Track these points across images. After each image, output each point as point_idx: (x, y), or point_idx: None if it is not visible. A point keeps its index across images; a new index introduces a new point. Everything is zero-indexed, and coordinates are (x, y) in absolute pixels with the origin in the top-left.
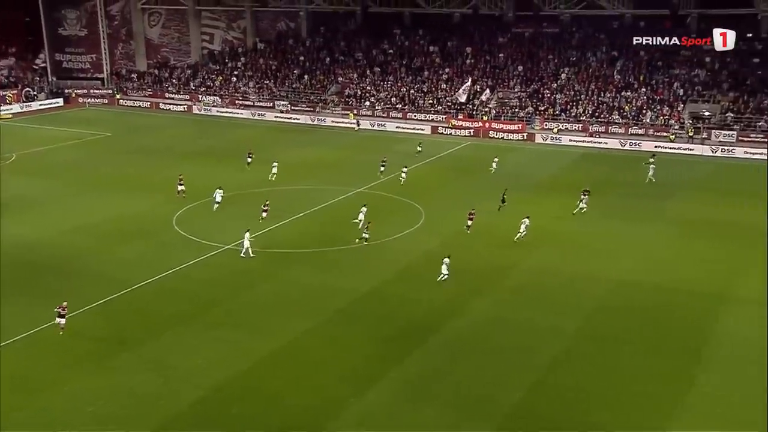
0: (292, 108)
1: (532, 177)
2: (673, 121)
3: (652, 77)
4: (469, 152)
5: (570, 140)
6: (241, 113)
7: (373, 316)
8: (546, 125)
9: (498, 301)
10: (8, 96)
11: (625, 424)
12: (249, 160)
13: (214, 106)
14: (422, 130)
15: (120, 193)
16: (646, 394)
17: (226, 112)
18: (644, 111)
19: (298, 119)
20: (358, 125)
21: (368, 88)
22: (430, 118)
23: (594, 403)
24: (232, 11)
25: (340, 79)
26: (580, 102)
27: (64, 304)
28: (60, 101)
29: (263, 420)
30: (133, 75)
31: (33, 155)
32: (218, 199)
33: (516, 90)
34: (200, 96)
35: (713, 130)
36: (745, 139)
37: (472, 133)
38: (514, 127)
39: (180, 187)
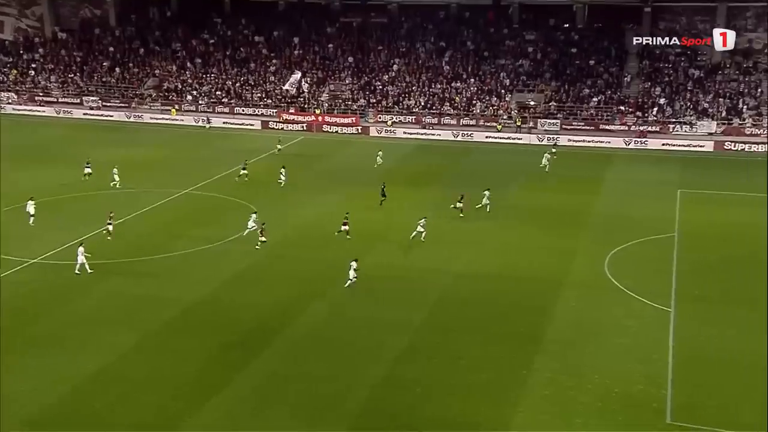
0: (104, 104)
1: (368, 171)
2: (501, 111)
3: (479, 68)
4: (303, 147)
5: (404, 132)
6: (44, 111)
7: (210, 324)
8: (380, 118)
9: (340, 299)
10: None
11: (472, 414)
12: (88, 170)
13: (8, 103)
14: (252, 125)
15: None
16: (489, 382)
17: (25, 110)
18: (474, 102)
19: (112, 116)
20: (209, 122)
21: (189, 81)
22: (260, 112)
23: (441, 395)
24: None
25: (157, 71)
26: (412, 94)
27: None
28: None
29: None
30: None
31: None
32: (32, 211)
33: (348, 82)
34: None
35: (539, 119)
36: (568, 127)
37: (305, 128)
38: (348, 120)
39: None
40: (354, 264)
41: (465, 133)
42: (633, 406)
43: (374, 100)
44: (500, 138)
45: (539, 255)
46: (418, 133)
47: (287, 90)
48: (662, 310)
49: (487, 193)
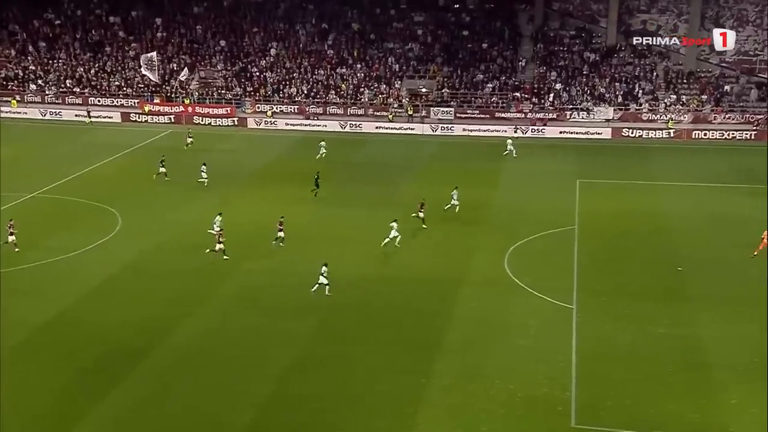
0: None
1: (246, 167)
2: (391, 99)
3: (366, 52)
4: (171, 142)
5: (287, 124)
6: None
7: (65, 347)
8: (258, 108)
9: (219, 310)
10: None
11: (368, 428)
12: None
13: None
14: (110, 118)
15: None
16: (386, 392)
17: None
18: (362, 89)
19: None
20: (89, 117)
21: (32, 68)
22: (119, 103)
23: (334, 409)
24: None
25: None
26: (294, 81)
27: None
28: None
29: None
30: None
31: None
32: None
33: (220, 68)
34: None
35: (431, 108)
36: (462, 115)
37: (172, 120)
38: (222, 111)
39: None
40: (324, 268)
41: (353, 123)
42: (537, 411)
43: (251, 89)
44: (392, 128)
45: (435, 253)
46: (301, 124)
47: (149, 74)
48: (564, 307)
49: (455, 193)
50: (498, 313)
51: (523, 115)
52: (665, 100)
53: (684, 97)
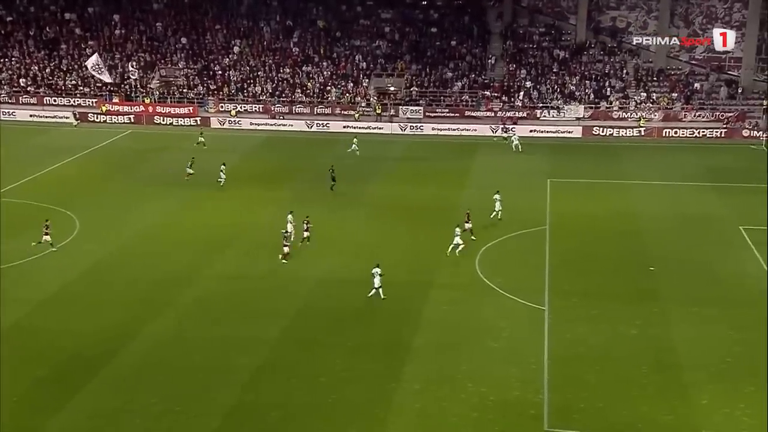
0: None
1: (209, 168)
2: (359, 98)
3: (332, 50)
4: (131, 143)
5: (251, 123)
6: None
7: (18, 357)
8: (222, 107)
9: (182, 316)
10: None
11: None
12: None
13: None
14: (66, 118)
15: None
16: (354, 399)
17: None
18: (328, 87)
19: None
20: (77, 119)
21: None
22: (76, 102)
23: (301, 418)
24: None
25: None
26: (258, 79)
27: None
28: None
29: None
30: None
31: None
32: None
33: (181, 66)
34: None
35: (400, 106)
36: (432, 114)
37: (132, 120)
38: (185, 110)
39: None
40: (378, 270)
41: (320, 122)
42: (510, 415)
43: (214, 87)
44: (359, 127)
45: (405, 255)
46: (267, 124)
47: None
48: (536, 309)
49: (497, 197)
50: (469, 315)
51: (493, 114)
52: (636, 98)
53: (654, 95)
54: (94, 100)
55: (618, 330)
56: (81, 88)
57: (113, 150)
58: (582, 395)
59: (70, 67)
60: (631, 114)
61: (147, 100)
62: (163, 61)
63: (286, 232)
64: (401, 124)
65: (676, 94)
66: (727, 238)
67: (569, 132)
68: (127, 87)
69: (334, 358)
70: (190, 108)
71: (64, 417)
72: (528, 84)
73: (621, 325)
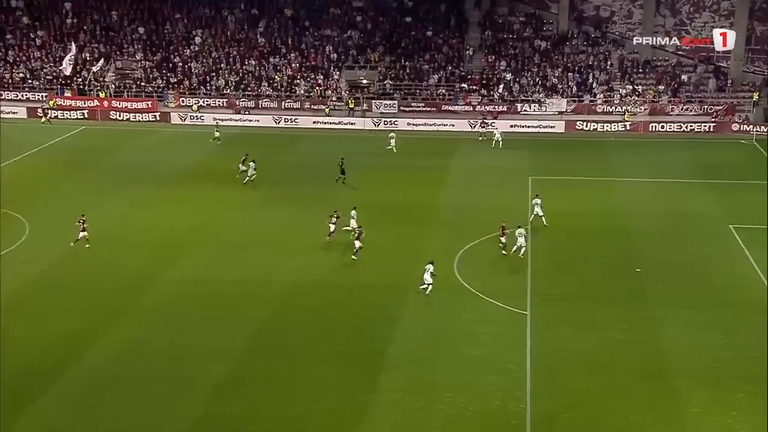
0: None
1: (169, 167)
2: (329, 92)
3: (301, 40)
4: (85, 140)
5: (215, 119)
6: None
7: None
8: (183, 102)
9: (141, 324)
10: None
11: None
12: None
13: None
14: (14, 113)
15: None
16: (328, 410)
17: None
18: (297, 81)
19: None
20: (46, 115)
21: None
22: (25, 96)
23: (275, 430)
24: None
25: None
26: (222, 72)
27: None
28: None
29: None
30: None
31: None
32: None
33: (138, 58)
34: None
35: (373, 101)
36: (407, 109)
37: (86, 115)
38: (143, 105)
39: None
40: (430, 267)
41: (288, 117)
42: (491, 425)
43: (174, 81)
44: (330, 123)
45: (381, 257)
46: (231, 119)
47: (63, 69)
48: (518, 314)
49: (537, 201)
50: (448, 321)
51: (471, 108)
52: (621, 91)
53: (640, 87)
54: (44, 94)
55: (604, 335)
56: (30, 81)
57: (65, 148)
58: (566, 404)
59: (18, 59)
60: (615, 108)
61: (102, 95)
62: (118, 53)
63: (353, 228)
64: (375, 119)
65: (663, 87)
66: (717, 238)
67: (551, 127)
68: (80, 80)
69: (305, 368)
70: (149, 103)
71: None
72: (508, 76)
73: (607, 330)
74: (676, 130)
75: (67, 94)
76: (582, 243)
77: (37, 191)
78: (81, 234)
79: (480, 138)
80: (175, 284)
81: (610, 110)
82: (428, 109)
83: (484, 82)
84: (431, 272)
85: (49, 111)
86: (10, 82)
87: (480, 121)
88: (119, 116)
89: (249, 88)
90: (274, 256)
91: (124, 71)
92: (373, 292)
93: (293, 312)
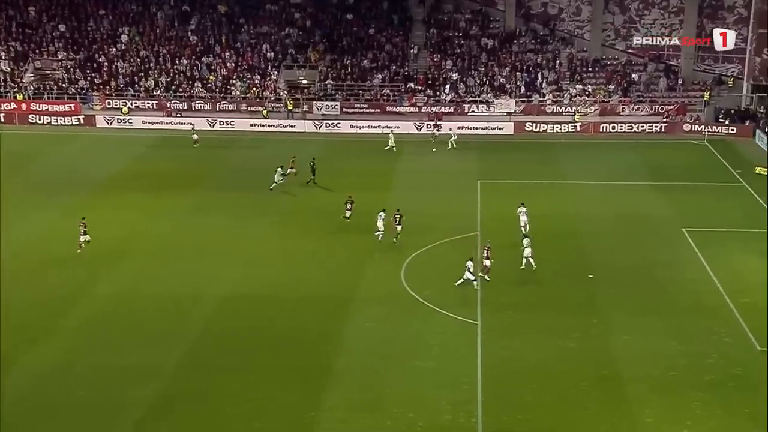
0: None
1: (95, 173)
2: (267, 93)
3: (236, 38)
4: (2, 146)
5: (144, 122)
6: None
7: None
8: (110, 104)
9: (65, 344)
10: None
11: None
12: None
13: None
14: None
15: None
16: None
17: None
18: (233, 81)
19: None
20: None
21: None
22: None
23: None
24: None
25: None
26: (151, 72)
27: None
28: None
29: None
30: None
31: None
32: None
33: (60, 57)
34: None
35: (314, 102)
36: (350, 110)
37: (2, 119)
38: (65, 108)
39: None
40: (470, 264)
41: (223, 120)
42: None
43: (99, 81)
44: (269, 125)
45: (324, 268)
46: (162, 123)
47: None
48: (468, 323)
49: (523, 210)
50: (395, 332)
51: (417, 109)
52: (570, 91)
53: (590, 87)
54: None
55: (556, 344)
56: None
57: None
58: (519, 417)
59: None
60: (565, 108)
61: (19, 97)
62: (37, 52)
63: (381, 230)
64: (316, 121)
65: (613, 86)
66: (670, 241)
67: (500, 128)
68: None
69: (244, 386)
70: (72, 105)
71: None
72: (454, 76)
73: (559, 339)
74: (627, 130)
75: None
76: (533, 248)
77: None
78: (83, 237)
79: (432, 139)
80: (102, 299)
81: (560, 111)
82: (372, 110)
83: (429, 81)
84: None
85: None
86: None
87: (432, 123)
88: (39, 120)
89: (181, 89)
90: (208, 267)
91: (43, 71)
92: (316, 305)
93: (228, 327)
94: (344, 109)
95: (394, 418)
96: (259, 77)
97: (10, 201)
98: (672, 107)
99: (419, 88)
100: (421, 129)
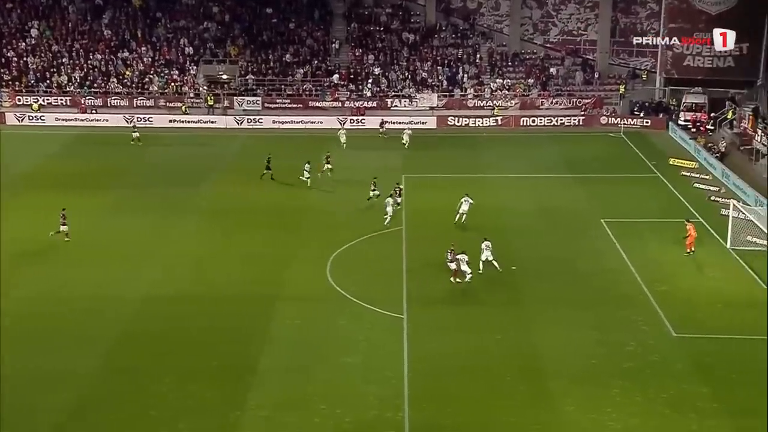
0: None
1: (6, 172)
2: (186, 88)
3: (152, 33)
4: None
5: (57, 119)
6: None
7: None
8: (20, 101)
9: None
10: None
11: None
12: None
13: None
14: None
15: None
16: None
17: None
18: (150, 76)
19: None
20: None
21: None
22: None
23: None
24: None
25: None
26: (64, 67)
27: None
28: None
29: None
30: None
31: None
32: None
33: None
34: None
35: (235, 97)
36: (272, 105)
37: None
38: None
39: None
40: (465, 257)
41: (141, 117)
42: None
43: (8, 77)
44: (188, 122)
45: (247, 266)
46: (77, 119)
47: None
48: (394, 318)
49: (466, 200)
50: (321, 329)
51: (340, 104)
52: (491, 85)
53: (509, 81)
54: None
55: (482, 337)
56: None
57: None
58: (446, 411)
59: None
60: (486, 102)
61: None
62: None
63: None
64: (237, 117)
65: (533, 80)
66: (589, 233)
67: (423, 123)
68: None
69: (166, 388)
70: None
71: None
72: (376, 70)
73: (484, 332)
74: (546, 124)
75: None
76: (457, 242)
77: None
78: (62, 228)
79: (383, 136)
80: (18, 302)
81: (481, 105)
82: (294, 105)
83: (352, 76)
84: (468, 262)
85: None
86: None
87: (349, 117)
88: None
89: (95, 85)
90: (128, 268)
91: None
92: (239, 304)
93: (149, 329)
94: (266, 105)
95: (321, 414)
96: (177, 72)
97: None
98: (589, 101)
99: (342, 83)
100: (344, 124)
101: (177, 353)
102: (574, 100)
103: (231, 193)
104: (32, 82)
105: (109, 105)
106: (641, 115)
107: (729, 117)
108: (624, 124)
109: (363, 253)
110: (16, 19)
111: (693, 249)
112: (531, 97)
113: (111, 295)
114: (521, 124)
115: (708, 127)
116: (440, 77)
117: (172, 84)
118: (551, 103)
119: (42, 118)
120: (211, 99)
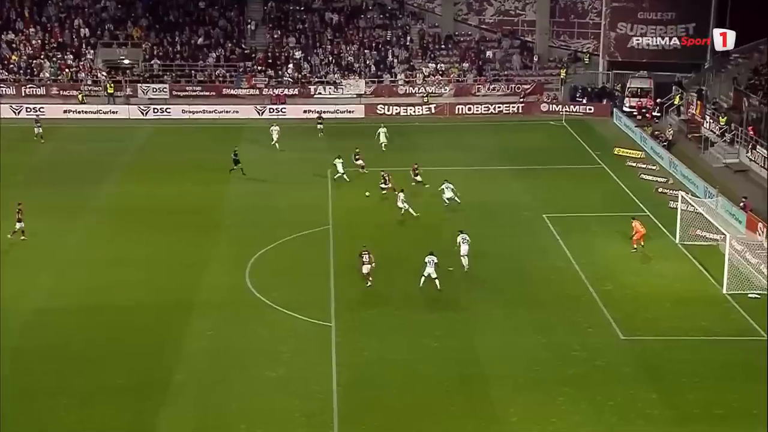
0: None
1: None
2: (83, 74)
3: (42, 12)
4: None
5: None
6: None
7: None
8: None
9: None
10: None
11: None
12: None
13: None
14: None
15: None
16: None
17: None
18: (41, 61)
19: None
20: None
21: None
22: None
23: None
24: None
25: None
26: None
27: None
28: None
29: None
30: None
31: None
32: None
33: None
34: None
35: (139, 84)
36: (181, 93)
37: None
38: None
39: None
40: (434, 259)
41: (30, 106)
42: None
43: None
44: (86, 112)
45: (156, 272)
46: None
47: None
48: (321, 326)
49: (449, 185)
50: (240, 340)
51: (257, 92)
52: (423, 70)
53: (443, 65)
54: None
55: (418, 343)
56: None
57: None
58: (379, 425)
59: None
60: (418, 89)
61: None
62: None
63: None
64: (141, 106)
65: (467, 65)
66: (531, 229)
67: (350, 111)
68: None
69: (65, 409)
70: None
71: None
72: (297, 54)
73: (420, 338)
74: (483, 111)
75: None
76: (389, 241)
77: None
78: (18, 225)
79: (319, 135)
80: None
81: (413, 92)
82: (206, 93)
83: (270, 61)
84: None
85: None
86: None
87: (268, 106)
88: None
89: None
90: (19, 275)
91: None
92: (148, 314)
93: (44, 344)
94: (174, 92)
95: None
96: (72, 57)
97: None
98: (528, 86)
99: (259, 68)
100: (263, 113)
101: (76, 371)
102: (513, 85)
103: (137, 192)
104: None
105: None
106: (584, 101)
107: (676, 103)
108: (566, 111)
109: (286, 256)
110: None
111: (642, 244)
112: (466, 83)
113: (1, 306)
114: (456, 112)
115: (654, 113)
116: (368, 62)
117: (66, 70)
118: (488, 89)
119: None
120: (111, 86)
